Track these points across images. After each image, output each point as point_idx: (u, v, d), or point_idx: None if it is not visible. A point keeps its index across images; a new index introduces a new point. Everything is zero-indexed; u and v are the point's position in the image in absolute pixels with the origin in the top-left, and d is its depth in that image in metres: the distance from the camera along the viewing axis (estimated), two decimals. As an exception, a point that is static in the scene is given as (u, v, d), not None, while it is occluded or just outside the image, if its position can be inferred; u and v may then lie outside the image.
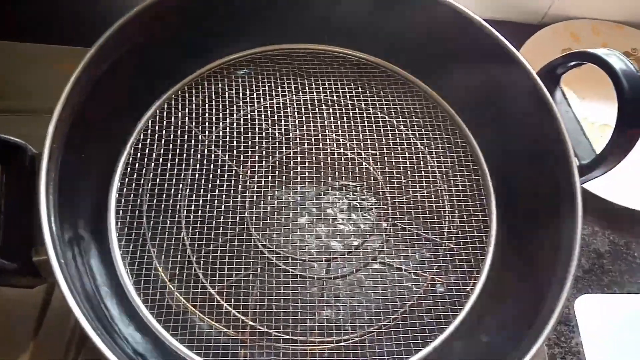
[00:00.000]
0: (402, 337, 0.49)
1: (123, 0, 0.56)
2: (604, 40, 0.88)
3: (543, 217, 0.53)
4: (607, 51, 0.49)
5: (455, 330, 0.50)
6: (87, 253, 0.50)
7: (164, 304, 0.49)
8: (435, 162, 0.59)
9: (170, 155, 0.55)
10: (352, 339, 0.49)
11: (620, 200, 0.72)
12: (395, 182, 0.57)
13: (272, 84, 0.61)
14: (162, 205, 0.52)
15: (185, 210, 0.54)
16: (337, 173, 0.56)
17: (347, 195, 0.56)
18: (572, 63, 0.53)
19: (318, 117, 0.59)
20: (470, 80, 0.58)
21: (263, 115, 0.59)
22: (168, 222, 0.52)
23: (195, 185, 0.54)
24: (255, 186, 0.56)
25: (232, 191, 0.54)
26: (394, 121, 0.60)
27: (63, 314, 0.55)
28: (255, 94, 0.60)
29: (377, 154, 0.59)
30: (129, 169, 0.54)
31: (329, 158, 0.55)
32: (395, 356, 0.48)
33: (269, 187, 0.56)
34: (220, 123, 0.58)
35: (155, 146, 0.56)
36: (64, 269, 0.42)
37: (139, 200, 0.53)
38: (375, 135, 0.59)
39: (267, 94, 0.60)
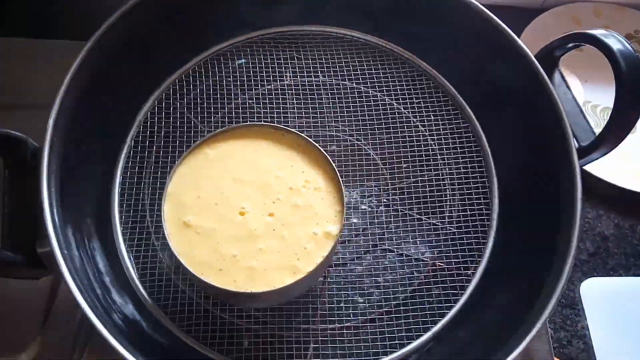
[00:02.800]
0: (404, 323, 0.49)
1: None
2: (606, 23, 0.87)
3: (544, 200, 0.53)
4: (605, 32, 0.49)
5: (457, 314, 0.50)
6: (91, 244, 0.50)
7: (170, 295, 0.49)
8: (437, 144, 0.58)
9: (170, 147, 0.55)
10: (353, 325, 0.49)
11: (625, 183, 0.72)
12: (396, 167, 0.57)
13: (270, 69, 0.61)
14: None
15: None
16: (335, 158, 0.56)
17: (347, 183, 0.55)
18: (570, 45, 0.53)
19: (317, 102, 0.59)
20: (470, 62, 0.57)
21: (261, 102, 0.59)
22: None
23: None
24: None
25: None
26: (394, 103, 0.60)
27: (70, 305, 0.56)
28: (252, 80, 0.60)
29: (377, 137, 0.58)
30: (130, 161, 0.55)
31: (327, 144, 0.55)
32: (396, 341, 0.48)
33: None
34: (219, 112, 0.58)
35: (155, 138, 0.56)
36: (68, 260, 0.43)
37: (141, 193, 0.54)
38: (374, 118, 0.59)
39: (265, 80, 0.60)
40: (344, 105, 0.59)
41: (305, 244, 0.43)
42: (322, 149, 0.46)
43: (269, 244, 0.42)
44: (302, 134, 0.47)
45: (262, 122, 0.47)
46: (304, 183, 0.45)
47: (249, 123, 0.47)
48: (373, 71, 0.61)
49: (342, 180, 0.46)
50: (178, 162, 0.45)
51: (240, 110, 0.58)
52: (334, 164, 0.46)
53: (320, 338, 0.49)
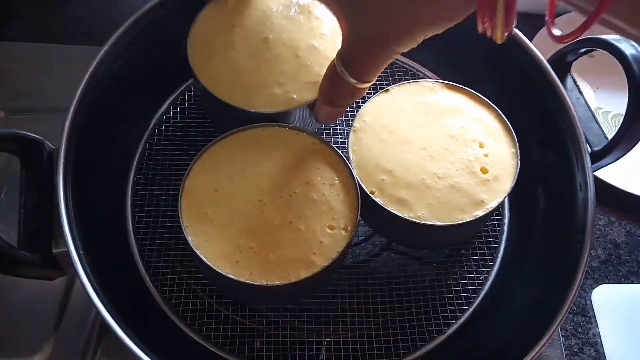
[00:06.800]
0: (417, 325, 0.49)
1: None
2: (617, 29, 0.87)
3: (556, 205, 0.53)
4: (618, 37, 0.49)
5: (470, 318, 0.50)
6: (105, 245, 0.50)
7: (182, 295, 0.50)
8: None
9: (184, 149, 0.56)
10: (366, 327, 0.49)
11: (637, 190, 0.71)
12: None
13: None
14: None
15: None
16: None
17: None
18: (583, 50, 0.53)
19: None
20: (482, 67, 0.57)
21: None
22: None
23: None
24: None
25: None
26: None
27: (83, 306, 0.56)
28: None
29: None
30: (144, 163, 0.55)
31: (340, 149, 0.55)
32: (409, 343, 0.48)
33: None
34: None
35: (169, 141, 0.57)
36: (83, 261, 0.43)
37: (155, 194, 0.54)
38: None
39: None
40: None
41: (321, 237, 0.43)
42: (336, 149, 0.47)
43: (285, 236, 0.43)
44: (316, 134, 0.48)
45: (277, 123, 0.48)
46: (319, 178, 0.45)
47: (263, 124, 0.48)
48: (384, 80, 0.61)
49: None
50: (195, 159, 0.46)
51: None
52: (348, 162, 0.46)
53: (332, 339, 0.49)
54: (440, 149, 0.47)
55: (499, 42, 0.37)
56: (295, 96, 0.48)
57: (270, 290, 0.41)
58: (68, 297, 0.58)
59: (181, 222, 0.43)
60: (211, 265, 0.41)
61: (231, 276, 0.41)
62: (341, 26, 0.41)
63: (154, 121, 0.57)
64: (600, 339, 0.64)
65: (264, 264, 0.42)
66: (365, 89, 0.42)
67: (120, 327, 0.41)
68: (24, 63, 0.73)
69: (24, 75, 0.73)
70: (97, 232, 0.49)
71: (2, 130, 0.47)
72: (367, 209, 0.45)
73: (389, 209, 0.44)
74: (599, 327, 0.65)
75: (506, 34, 0.36)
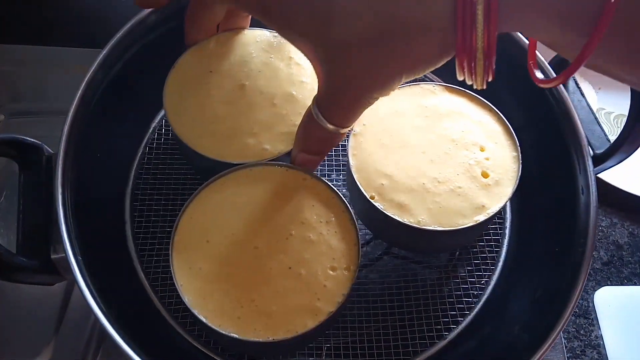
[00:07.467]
0: (417, 330, 0.49)
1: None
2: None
3: (558, 208, 0.53)
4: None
5: (471, 322, 0.50)
6: (104, 250, 0.50)
7: (181, 301, 0.49)
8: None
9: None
10: (366, 332, 0.49)
11: (639, 192, 0.71)
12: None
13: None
14: (177, 205, 0.53)
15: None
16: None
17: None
18: (585, 51, 0.52)
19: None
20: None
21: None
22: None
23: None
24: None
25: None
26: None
27: (83, 311, 0.56)
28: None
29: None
30: (144, 168, 0.55)
31: (339, 146, 0.55)
32: (410, 349, 0.48)
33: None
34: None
35: (169, 145, 0.56)
36: (82, 266, 0.43)
37: (155, 198, 0.54)
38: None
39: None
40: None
41: (324, 281, 0.41)
42: (328, 183, 0.45)
43: (286, 284, 0.41)
44: (307, 170, 0.46)
45: (264, 162, 0.46)
46: (315, 217, 0.43)
47: (251, 163, 0.45)
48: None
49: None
50: (182, 209, 0.44)
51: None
52: (342, 197, 0.44)
53: (332, 344, 0.48)
54: (440, 152, 0.47)
55: (479, 88, 0.36)
56: (268, 147, 0.46)
57: (275, 344, 0.39)
58: (67, 301, 0.58)
59: (174, 281, 0.41)
60: (212, 326, 0.39)
61: (235, 336, 0.39)
62: (317, 72, 0.40)
63: (154, 124, 0.57)
64: (603, 341, 0.64)
65: (268, 317, 0.40)
66: (343, 134, 0.41)
67: (119, 334, 0.41)
68: (24, 65, 0.73)
69: (23, 77, 0.73)
70: (96, 238, 0.49)
71: (0, 135, 0.47)
72: (367, 214, 0.44)
73: (388, 214, 0.44)
74: (601, 329, 0.65)
75: (486, 79, 0.35)
